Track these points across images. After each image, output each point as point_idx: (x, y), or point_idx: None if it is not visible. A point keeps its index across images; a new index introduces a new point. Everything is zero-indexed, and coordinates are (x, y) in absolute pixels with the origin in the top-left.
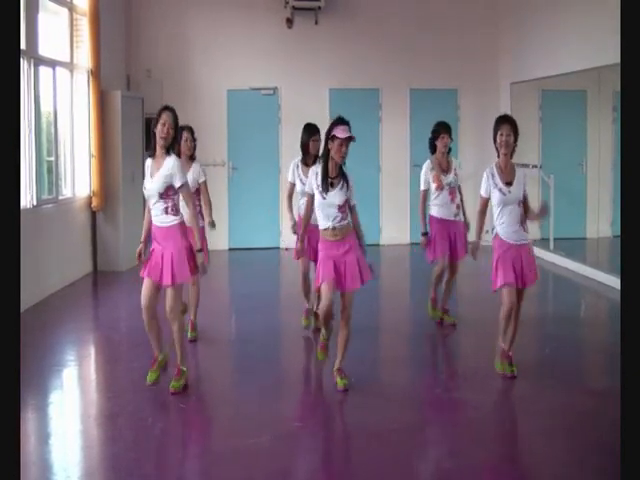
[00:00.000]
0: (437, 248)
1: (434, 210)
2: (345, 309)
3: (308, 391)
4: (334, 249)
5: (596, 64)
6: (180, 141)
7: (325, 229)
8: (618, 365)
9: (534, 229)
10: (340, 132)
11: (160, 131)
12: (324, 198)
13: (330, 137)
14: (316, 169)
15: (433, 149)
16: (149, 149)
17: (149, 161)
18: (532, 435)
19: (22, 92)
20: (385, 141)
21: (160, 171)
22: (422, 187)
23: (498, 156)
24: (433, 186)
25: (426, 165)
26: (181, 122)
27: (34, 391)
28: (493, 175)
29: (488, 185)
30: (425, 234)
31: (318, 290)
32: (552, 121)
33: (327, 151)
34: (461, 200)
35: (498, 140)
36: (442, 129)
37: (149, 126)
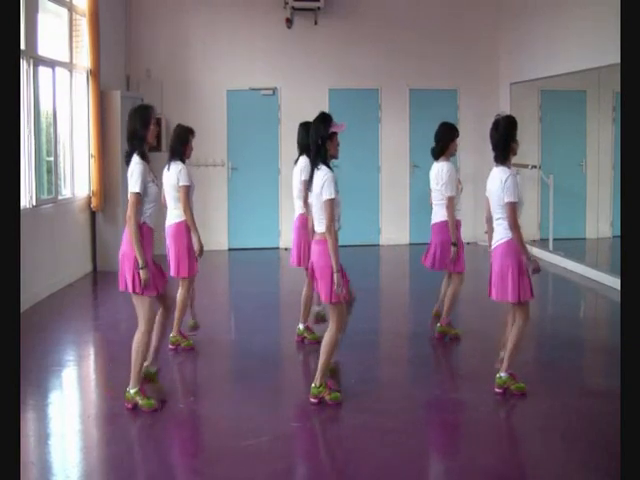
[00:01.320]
0: (462, 259)
1: (457, 214)
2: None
3: (307, 391)
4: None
5: (596, 64)
6: (189, 144)
7: (338, 230)
8: (618, 365)
9: (533, 229)
10: (337, 127)
11: (154, 131)
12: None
13: (329, 135)
14: (328, 172)
15: (442, 152)
16: (139, 151)
17: (143, 165)
18: (532, 435)
19: (22, 92)
20: (384, 142)
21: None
22: (452, 193)
23: (506, 158)
24: (459, 188)
25: (451, 168)
26: (181, 122)
27: (34, 391)
28: (516, 177)
29: (518, 189)
30: (455, 244)
31: (311, 298)
32: (552, 121)
33: (325, 151)
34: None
35: (517, 141)
36: (457, 131)
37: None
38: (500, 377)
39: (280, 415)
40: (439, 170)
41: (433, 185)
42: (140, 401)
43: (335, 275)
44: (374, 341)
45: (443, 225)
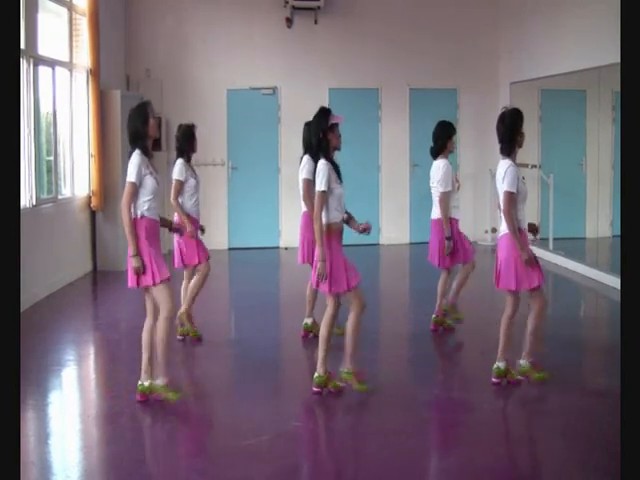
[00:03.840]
0: (469, 250)
1: (454, 212)
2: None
3: (307, 391)
4: (341, 243)
5: (596, 64)
6: (194, 138)
7: (339, 222)
8: (618, 365)
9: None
10: (337, 119)
11: (154, 124)
12: (342, 188)
13: (330, 127)
14: (324, 165)
15: (440, 151)
16: (141, 147)
17: (141, 157)
18: (532, 435)
19: (21, 92)
20: (385, 141)
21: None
22: (447, 188)
23: (510, 152)
24: (456, 186)
25: (447, 165)
26: (181, 122)
27: (34, 391)
28: (518, 170)
29: (517, 180)
30: (449, 238)
31: (314, 293)
32: (552, 121)
33: (327, 142)
34: None
35: (523, 134)
36: (454, 129)
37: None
38: (498, 367)
39: (281, 414)
40: (436, 168)
41: (432, 182)
42: (167, 394)
43: (320, 264)
44: (374, 340)
45: (451, 222)
